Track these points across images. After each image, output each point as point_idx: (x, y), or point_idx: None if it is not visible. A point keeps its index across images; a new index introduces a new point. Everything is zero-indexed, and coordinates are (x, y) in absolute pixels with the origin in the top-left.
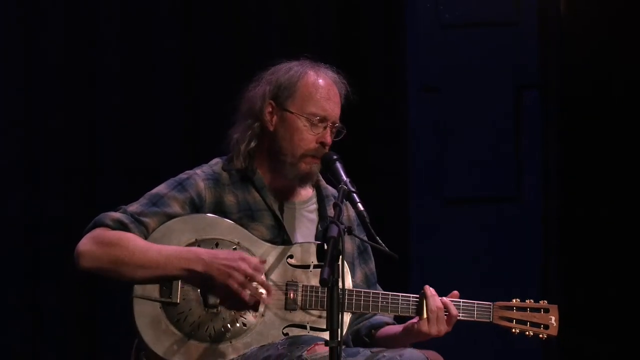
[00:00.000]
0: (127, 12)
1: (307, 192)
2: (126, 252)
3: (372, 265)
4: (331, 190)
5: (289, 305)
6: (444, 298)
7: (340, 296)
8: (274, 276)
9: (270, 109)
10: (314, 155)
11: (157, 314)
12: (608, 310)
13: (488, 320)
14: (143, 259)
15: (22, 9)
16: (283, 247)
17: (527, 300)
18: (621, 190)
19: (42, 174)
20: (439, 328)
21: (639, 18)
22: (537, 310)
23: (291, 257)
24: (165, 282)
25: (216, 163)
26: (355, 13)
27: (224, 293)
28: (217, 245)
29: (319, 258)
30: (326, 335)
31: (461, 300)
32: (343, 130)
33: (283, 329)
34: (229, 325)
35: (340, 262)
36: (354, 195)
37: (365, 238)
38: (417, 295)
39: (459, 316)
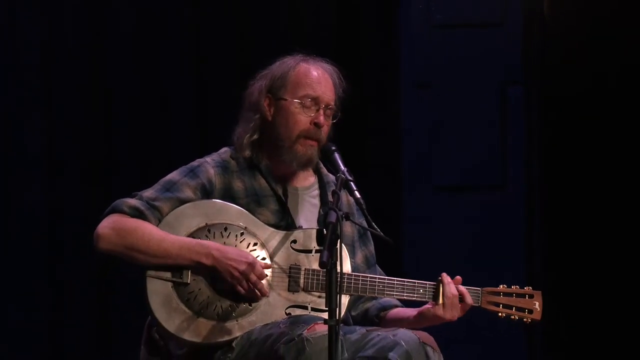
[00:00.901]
0: (141, 11)
1: (309, 179)
2: (141, 241)
3: (372, 247)
4: (332, 177)
5: (292, 287)
6: (460, 286)
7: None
8: (278, 259)
9: (268, 101)
10: (309, 137)
11: (168, 292)
12: (589, 293)
13: (477, 304)
14: (157, 248)
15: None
16: (287, 232)
17: (513, 286)
18: (599, 178)
19: (63, 164)
20: (453, 313)
21: (617, 19)
22: (523, 295)
23: (294, 242)
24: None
25: (225, 152)
26: (352, 14)
27: (227, 285)
28: (225, 229)
29: (319, 242)
30: (326, 315)
31: (463, 287)
32: (338, 114)
33: (286, 309)
34: (235, 305)
35: (338, 246)
36: (351, 183)
37: (363, 223)
38: (414, 281)
39: (473, 304)
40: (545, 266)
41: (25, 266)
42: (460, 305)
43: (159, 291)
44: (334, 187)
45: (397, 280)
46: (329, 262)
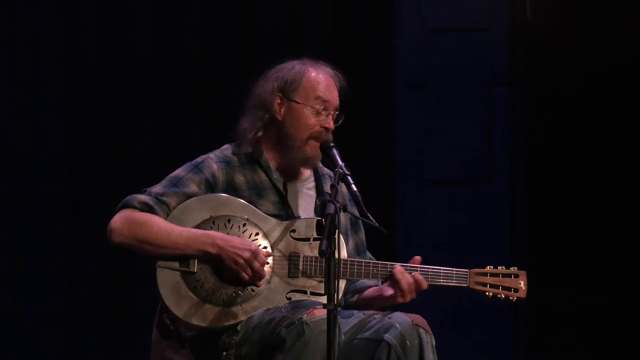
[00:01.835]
0: (155, 14)
1: (306, 172)
2: (151, 233)
3: (362, 235)
4: (326, 170)
5: (292, 273)
6: (416, 274)
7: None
8: (279, 248)
9: (279, 101)
10: (318, 139)
11: (177, 281)
12: (570, 274)
13: (465, 285)
14: (166, 240)
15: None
16: (287, 222)
17: (499, 267)
18: (580, 172)
19: (80, 160)
20: (411, 296)
21: (597, 23)
22: (508, 275)
23: (294, 231)
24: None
25: (227, 148)
26: (349, 19)
27: (231, 272)
28: (229, 221)
29: (318, 232)
30: (324, 299)
31: (442, 268)
32: (342, 116)
33: (287, 293)
34: (239, 291)
35: (336, 236)
36: (348, 177)
37: (357, 213)
38: (406, 265)
39: (454, 283)
40: (528, 253)
41: (45, 255)
42: (415, 289)
43: (168, 280)
44: (329, 180)
45: (389, 264)
46: (328, 250)
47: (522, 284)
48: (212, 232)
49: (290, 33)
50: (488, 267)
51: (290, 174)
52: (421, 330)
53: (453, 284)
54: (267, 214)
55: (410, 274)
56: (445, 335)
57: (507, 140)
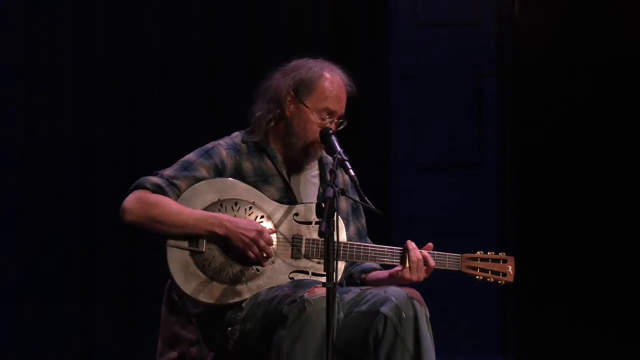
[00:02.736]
0: (164, 15)
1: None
2: (162, 213)
3: (363, 221)
4: (330, 159)
5: (295, 255)
6: (423, 251)
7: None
8: (282, 230)
9: (290, 98)
10: (320, 142)
11: (186, 260)
12: (554, 258)
13: (457, 269)
14: (176, 220)
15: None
16: (290, 206)
17: (489, 252)
18: (564, 158)
19: (95, 149)
20: (419, 275)
21: (583, 19)
22: (497, 260)
23: (297, 214)
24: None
25: (236, 136)
26: (347, 14)
27: (238, 251)
28: (236, 204)
29: (317, 215)
30: (324, 279)
31: (435, 252)
32: (345, 123)
33: (290, 273)
34: (244, 270)
35: (335, 218)
36: (347, 162)
37: (357, 199)
38: (401, 248)
39: (435, 266)
40: (515, 234)
41: (60, 236)
42: (424, 268)
43: (177, 259)
44: (331, 167)
45: (378, 247)
46: (327, 231)
47: (510, 269)
48: (220, 214)
49: (292, 27)
50: (478, 252)
51: (296, 164)
52: (416, 302)
53: (446, 267)
54: (272, 199)
55: None
56: (438, 307)
57: (494, 128)
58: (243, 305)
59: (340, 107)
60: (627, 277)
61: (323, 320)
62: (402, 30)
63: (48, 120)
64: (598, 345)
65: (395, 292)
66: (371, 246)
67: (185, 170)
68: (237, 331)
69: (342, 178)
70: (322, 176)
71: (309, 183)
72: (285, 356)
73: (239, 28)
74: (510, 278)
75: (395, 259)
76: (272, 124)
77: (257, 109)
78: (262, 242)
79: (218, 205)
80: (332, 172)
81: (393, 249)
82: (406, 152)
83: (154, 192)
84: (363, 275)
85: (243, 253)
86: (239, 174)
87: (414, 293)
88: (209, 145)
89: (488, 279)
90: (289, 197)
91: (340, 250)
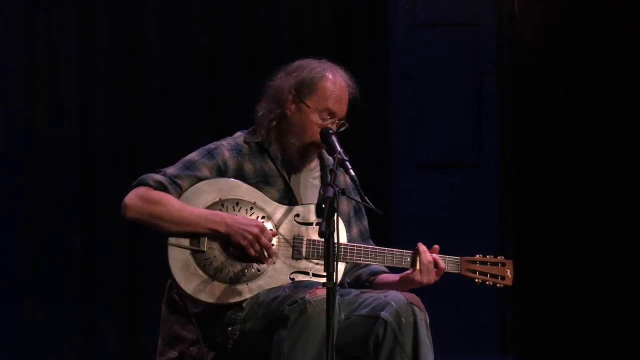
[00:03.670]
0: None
1: (313, 163)
2: (165, 210)
3: (366, 222)
4: (332, 160)
5: (295, 255)
6: (434, 254)
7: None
8: (283, 231)
9: (291, 98)
10: (319, 145)
11: (187, 259)
12: (553, 258)
13: (457, 272)
14: (178, 217)
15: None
16: (290, 206)
17: (487, 256)
18: (564, 158)
19: (95, 149)
20: (429, 278)
21: (582, 19)
22: (496, 264)
23: (297, 215)
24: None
25: (239, 136)
26: (347, 14)
27: (239, 249)
28: (237, 204)
29: (317, 215)
30: (325, 280)
31: (437, 255)
32: (345, 125)
33: (290, 274)
34: (245, 270)
35: (335, 219)
36: (347, 162)
37: (357, 199)
38: (402, 250)
39: (446, 269)
40: (514, 234)
41: (60, 236)
42: (435, 270)
43: (178, 258)
44: (331, 167)
45: (387, 250)
46: (327, 232)
47: (509, 272)
48: (222, 213)
49: (292, 28)
50: (477, 255)
51: (296, 164)
52: (415, 308)
53: (447, 270)
54: (273, 200)
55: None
56: (437, 307)
57: (494, 128)
58: (243, 305)
59: (341, 109)
60: (627, 277)
61: (324, 322)
62: (402, 30)
63: (48, 120)
64: (597, 345)
65: (395, 297)
66: (372, 247)
67: (187, 170)
68: (237, 331)
69: (344, 179)
70: (323, 178)
71: (310, 185)
72: (286, 356)
73: (239, 28)
74: (508, 281)
75: (396, 260)
76: (274, 123)
77: (260, 108)
78: (263, 240)
79: (219, 205)
80: (332, 172)
81: (394, 250)
82: (406, 152)
83: (155, 189)
84: (372, 278)
85: (244, 250)
86: (240, 175)
87: (414, 298)
88: (212, 145)
89: (487, 282)
90: (289, 198)
91: (340, 251)
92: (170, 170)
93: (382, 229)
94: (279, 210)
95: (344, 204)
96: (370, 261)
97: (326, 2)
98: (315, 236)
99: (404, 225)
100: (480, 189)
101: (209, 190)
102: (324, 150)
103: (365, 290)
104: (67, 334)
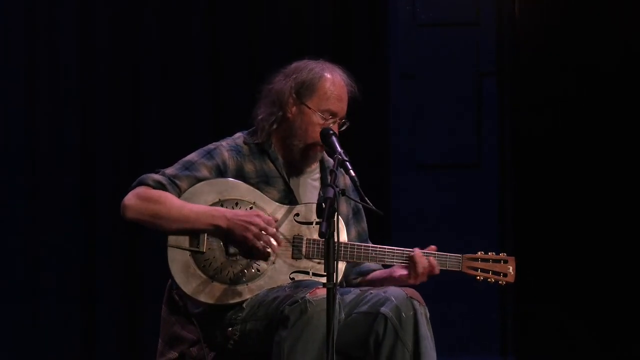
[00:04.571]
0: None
1: (313, 165)
2: (164, 209)
3: (364, 224)
4: (332, 161)
5: (295, 255)
6: (431, 259)
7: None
8: (283, 230)
9: (292, 100)
10: (321, 145)
11: (186, 260)
12: (553, 257)
13: (458, 269)
14: (177, 214)
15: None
16: (290, 206)
17: (489, 253)
18: (563, 158)
19: (96, 149)
20: (422, 279)
21: (581, 19)
22: (498, 261)
23: (297, 215)
24: (194, 234)
25: (239, 137)
26: (347, 14)
27: (242, 243)
28: (237, 204)
29: (318, 215)
30: (325, 280)
31: (436, 252)
32: (347, 123)
33: (290, 274)
34: (245, 270)
35: (335, 219)
36: (347, 163)
37: (357, 199)
38: (402, 249)
39: (447, 267)
40: (514, 234)
41: (60, 236)
42: (428, 273)
43: (178, 259)
44: (331, 168)
45: (387, 249)
46: (327, 232)
47: (511, 269)
48: (221, 208)
49: (292, 29)
50: (479, 252)
51: (297, 166)
52: (415, 302)
53: (447, 268)
54: (273, 200)
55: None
56: (437, 306)
57: (494, 128)
58: (244, 305)
59: (342, 108)
60: (627, 277)
61: (324, 322)
62: (402, 30)
63: (48, 120)
64: (597, 345)
65: (395, 292)
66: (372, 246)
67: (187, 170)
68: (237, 331)
69: (344, 180)
70: (323, 179)
71: (310, 186)
72: (286, 357)
73: (239, 28)
74: (511, 278)
75: (397, 259)
76: (275, 126)
77: (259, 112)
78: (262, 224)
79: (219, 205)
80: (332, 172)
81: (394, 249)
82: (406, 152)
83: (155, 188)
84: (359, 279)
85: (248, 244)
86: (240, 176)
87: (414, 293)
88: (211, 145)
89: (489, 280)
90: (289, 199)
91: (340, 250)
92: (170, 170)
93: (382, 229)
94: (279, 209)
95: (343, 206)
96: (371, 260)
97: (326, 2)
98: (315, 235)
99: (404, 225)
100: (480, 189)
101: (208, 191)
102: (323, 153)
103: (364, 288)
104: (67, 334)
